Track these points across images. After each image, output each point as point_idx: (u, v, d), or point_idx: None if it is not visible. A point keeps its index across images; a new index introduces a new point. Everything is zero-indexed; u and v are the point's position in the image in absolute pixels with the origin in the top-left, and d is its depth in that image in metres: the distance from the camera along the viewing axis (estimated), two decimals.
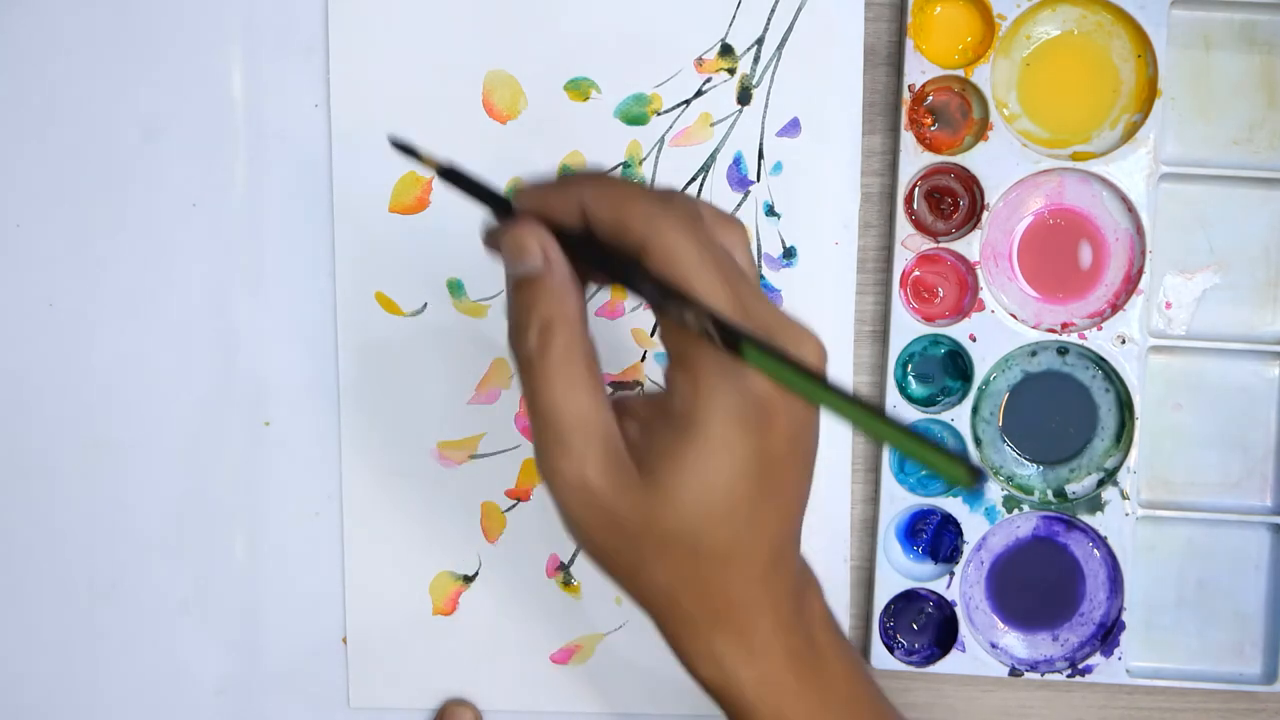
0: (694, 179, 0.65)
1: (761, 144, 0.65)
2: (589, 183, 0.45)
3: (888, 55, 0.66)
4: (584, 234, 0.44)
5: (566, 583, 0.67)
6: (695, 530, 0.44)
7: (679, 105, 0.65)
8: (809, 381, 0.42)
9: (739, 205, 0.65)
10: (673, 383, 0.45)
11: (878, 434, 0.42)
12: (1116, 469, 0.66)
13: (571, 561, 0.67)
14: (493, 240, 0.47)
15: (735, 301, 0.43)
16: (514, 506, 0.67)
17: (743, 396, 0.43)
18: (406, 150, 0.47)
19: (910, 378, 0.66)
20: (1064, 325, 0.66)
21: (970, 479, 0.40)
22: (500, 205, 0.47)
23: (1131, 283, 0.65)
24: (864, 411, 0.42)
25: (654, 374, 0.66)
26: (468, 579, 0.67)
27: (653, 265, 0.43)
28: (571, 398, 0.45)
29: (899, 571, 0.66)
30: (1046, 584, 0.67)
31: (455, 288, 0.66)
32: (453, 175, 0.47)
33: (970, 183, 0.65)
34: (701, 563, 0.45)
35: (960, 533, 0.66)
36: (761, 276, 0.66)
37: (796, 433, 0.45)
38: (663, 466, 0.44)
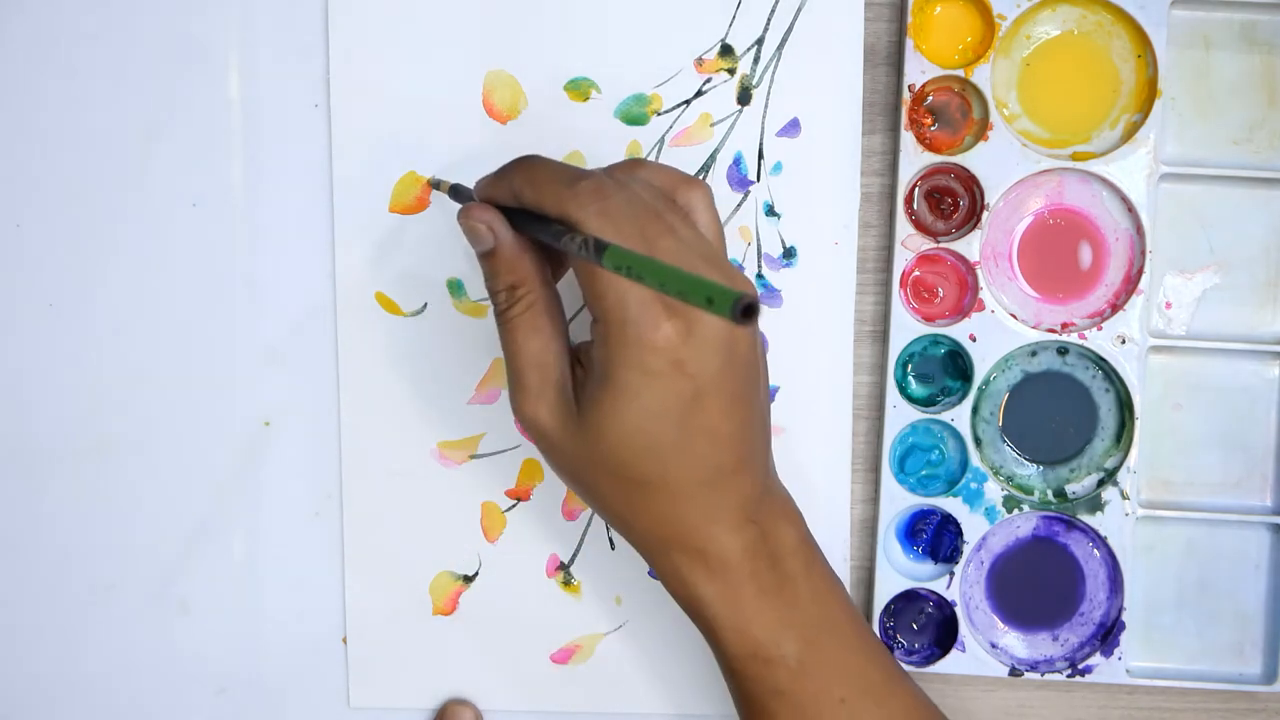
0: None
1: (761, 144, 0.65)
2: (517, 170, 0.53)
3: (888, 55, 0.66)
4: (522, 210, 0.53)
5: (566, 583, 0.67)
6: (622, 462, 0.51)
7: (679, 105, 0.65)
8: (654, 266, 0.42)
9: (739, 205, 0.65)
10: (594, 337, 0.51)
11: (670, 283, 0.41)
12: (1116, 469, 0.66)
13: (571, 561, 0.67)
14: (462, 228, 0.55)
15: (620, 237, 0.49)
16: (514, 506, 0.67)
17: (644, 348, 0.49)
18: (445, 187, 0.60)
19: (910, 378, 0.66)
20: (1064, 325, 0.66)
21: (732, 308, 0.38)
22: (466, 198, 0.57)
23: (1131, 283, 0.65)
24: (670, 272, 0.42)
25: None
26: (468, 579, 0.67)
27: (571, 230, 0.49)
28: (528, 345, 0.53)
29: (899, 571, 0.66)
30: (1046, 584, 0.67)
31: (455, 288, 0.66)
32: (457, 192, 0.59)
33: (970, 183, 0.65)
34: (637, 490, 0.52)
35: (960, 533, 0.66)
36: (761, 276, 0.66)
37: (713, 373, 0.50)
38: (590, 409, 0.51)
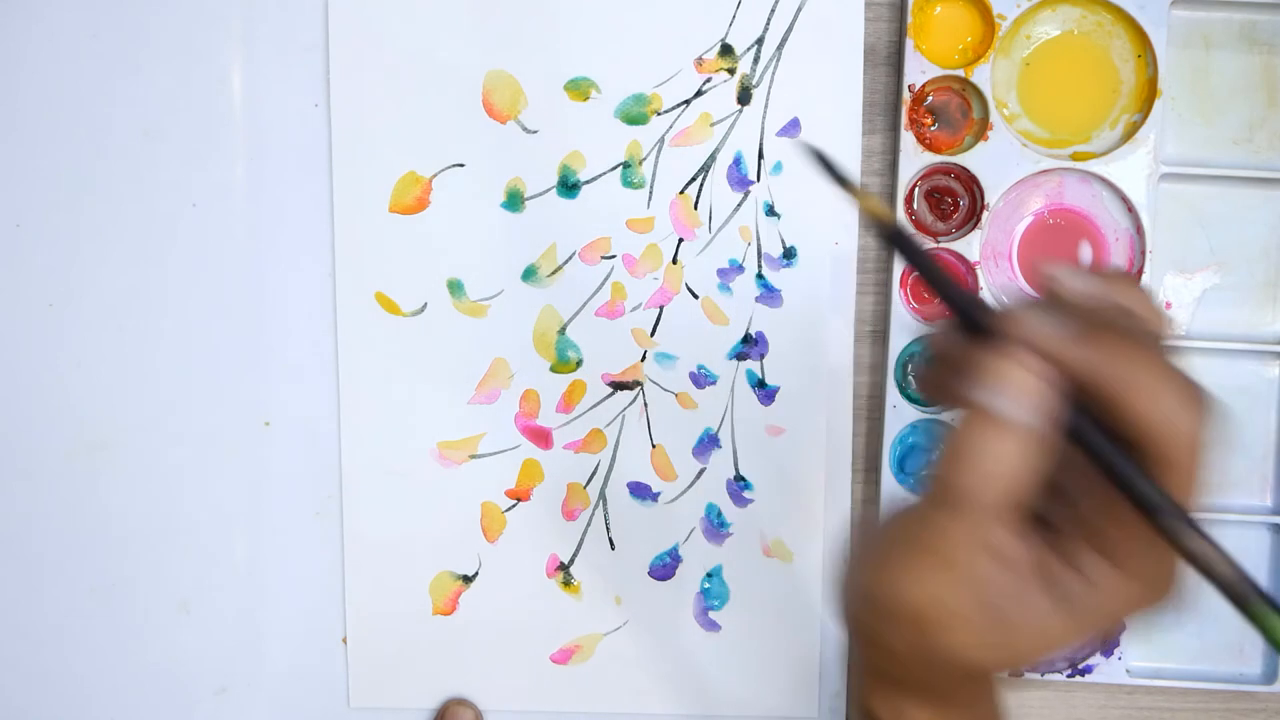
0: (694, 179, 0.65)
1: (761, 144, 0.65)
2: (1113, 356, 0.37)
3: (888, 55, 0.66)
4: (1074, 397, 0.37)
5: (566, 583, 0.67)
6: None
7: (679, 105, 0.65)
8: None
9: (739, 205, 0.65)
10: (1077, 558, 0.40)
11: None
12: None
13: (571, 561, 0.67)
14: (949, 355, 0.40)
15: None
16: (514, 506, 0.67)
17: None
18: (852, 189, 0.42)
19: (910, 378, 0.66)
20: None
21: None
22: (972, 311, 0.39)
23: None
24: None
25: (653, 373, 0.66)
26: (468, 579, 0.67)
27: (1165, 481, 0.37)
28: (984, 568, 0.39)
29: None
30: None
31: (455, 288, 0.66)
32: (901, 242, 0.42)
33: (970, 182, 0.65)
34: (953, 668, 0.42)
35: None
36: (761, 276, 0.66)
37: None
38: (1024, 619, 0.39)
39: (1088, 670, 0.66)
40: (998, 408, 0.37)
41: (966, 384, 0.38)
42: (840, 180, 0.41)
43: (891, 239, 0.42)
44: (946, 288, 0.40)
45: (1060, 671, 0.66)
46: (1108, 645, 0.66)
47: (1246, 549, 0.67)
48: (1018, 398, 0.37)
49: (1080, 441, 0.37)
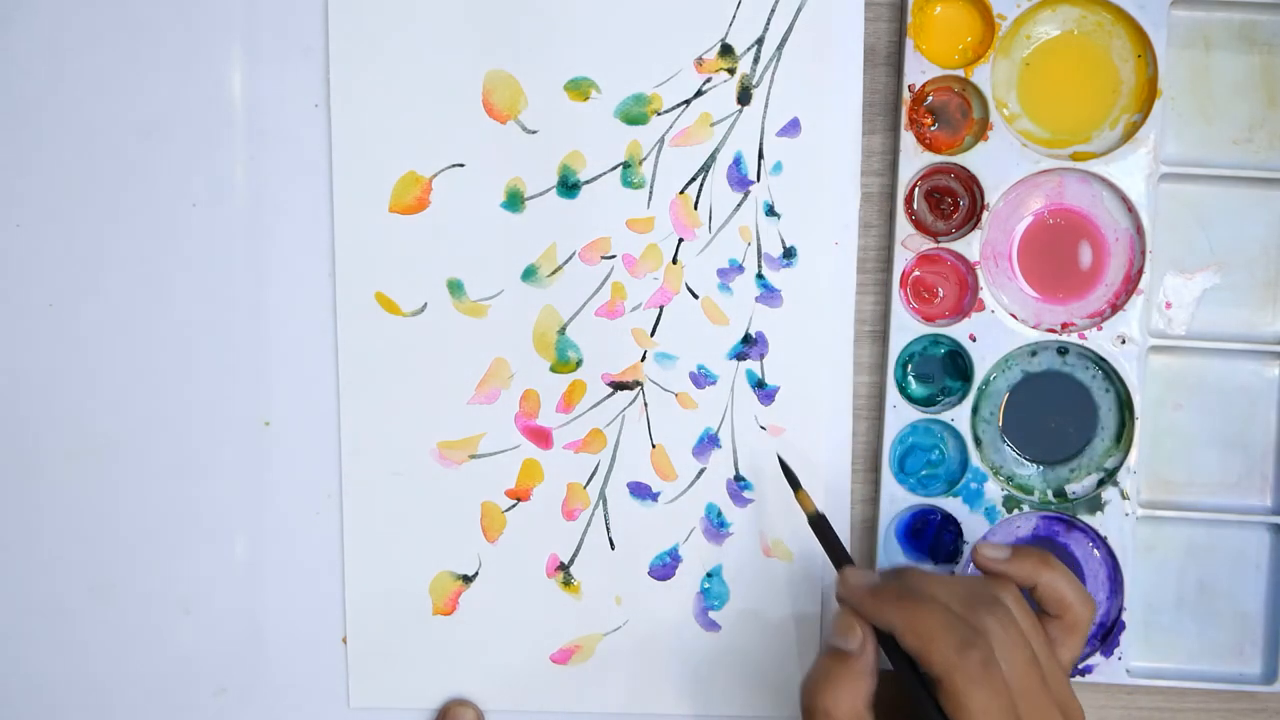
0: (694, 179, 0.65)
1: (761, 144, 0.65)
2: (901, 614, 0.55)
3: (888, 55, 0.66)
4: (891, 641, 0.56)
5: (566, 583, 0.67)
6: None
7: (679, 105, 0.65)
8: None
9: (739, 205, 0.65)
10: None
11: None
12: (1116, 469, 0.66)
13: (571, 561, 0.67)
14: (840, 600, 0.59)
15: None
16: (514, 506, 0.67)
17: None
18: (789, 477, 0.63)
19: (910, 378, 0.66)
20: (1064, 325, 0.66)
21: None
22: (842, 560, 0.61)
23: (1131, 283, 0.65)
24: None
25: (653, 373, 0.66)
26: (468, 579, 0.67)
27: (947, 704, 0.53)
28: None
29: None
30: None
31: (455, 288, 0.66)
32: (821, 525, 0.62)
33: (970, 183, 0.65)
34: None
35: (960, 533, 0.66)
36: (761, 276, 0.66)
37: None
38: None
39: (1088, 671, 0.66)
40: (837, 645, 0.56)
41: (830, 633, 0.57)
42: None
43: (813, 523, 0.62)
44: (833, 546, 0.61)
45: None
46: (1107, 646, 0.66)
47: (1246, 549, 0.67)
48: (848, 635, 0.56)
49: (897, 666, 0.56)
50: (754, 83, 0.65)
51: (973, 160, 0.64)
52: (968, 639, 0.53)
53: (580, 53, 0.65)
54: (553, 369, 0.66)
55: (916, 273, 0.66)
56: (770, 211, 0.66)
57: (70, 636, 0.68)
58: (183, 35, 0.65)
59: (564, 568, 0.67)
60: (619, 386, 0.66)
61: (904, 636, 0.54)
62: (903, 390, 0.66)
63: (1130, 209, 0.65)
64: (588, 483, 0.67)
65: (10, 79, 0.66)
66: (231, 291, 0.66)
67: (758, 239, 0.66)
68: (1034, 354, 0.66)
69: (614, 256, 0.66)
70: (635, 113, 0.65)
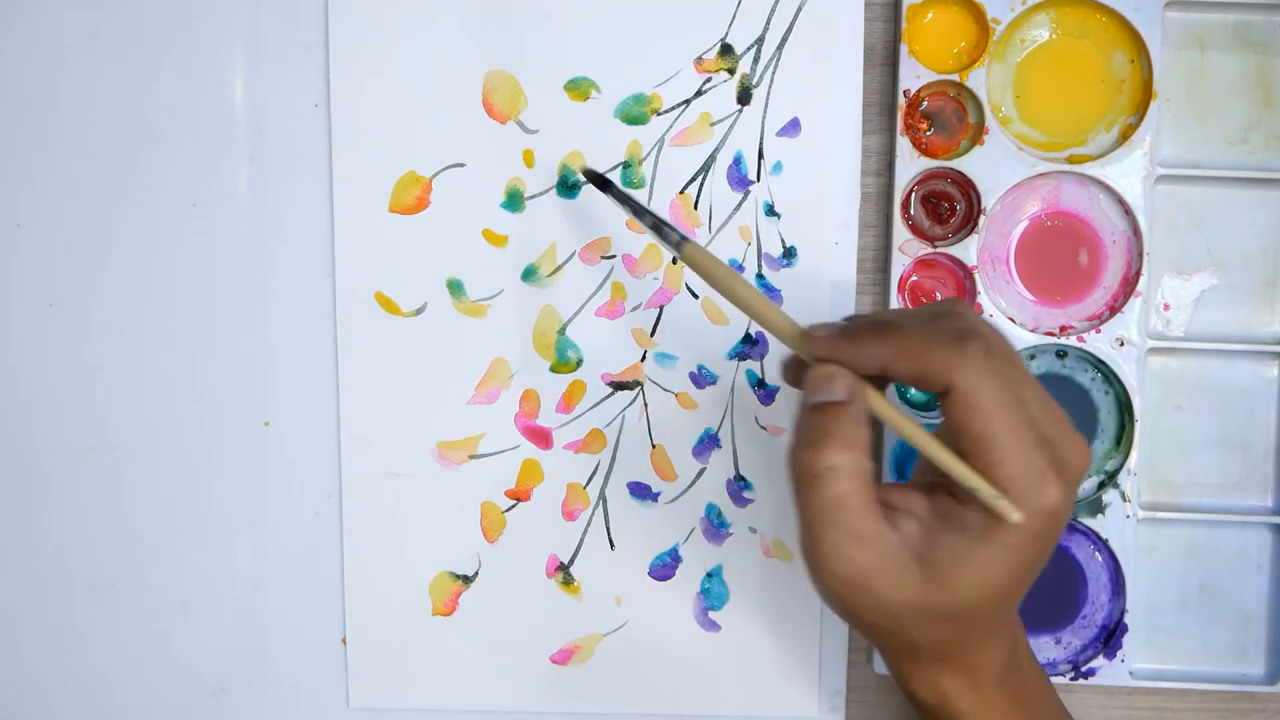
0: (694, 179, 0.66)
1: (761, 144, 0.66)
2: (887, 343, 0.50)
3: (886, 55, 0.66)
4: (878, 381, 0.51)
5: (566, 583, 0.67)
6: (969, 612, 0.50)
7: (679, 105, 0.65)
8: None
9: (739, 205, 0.66)
10: (962, 495, 0.50)
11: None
12: (1117, 471, 0.66)
13: (571, 562, 0.67)
14: (790, 374, 0.54)
15: (1023, 425, 0.49)
16: (514, 506, 0.67)
17: (1038, 514, 0.49)
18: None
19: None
20: (1062, 328, 0.66)
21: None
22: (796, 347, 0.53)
23: (1129, 285, 0.65)
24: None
25: (653, 373, 0.66)
26: (468, 579, 0.67)
27: (955, 407, 0.48)
28: (857, 523, 0.49)
29: None
30: (1048, 587, 0.67)
31: (455, 288, 0.66)
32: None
33: (967, 187, 0.65)
34: (956, 629, 0.51)
35: None
36: (761, 276, 0.66)
37: (1064, 526, 0.51)
38: (950, 565, 0.49)
39: (1091, 673, 0.66)
40: (819, 399, 0.50)
41: (806, 394, 0.51)
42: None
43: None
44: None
45: (1063, 675, 0.66)
46: (1105, 643, 0.66)
47: (1248, 549, 0.67)
48: (831, 384, 0.50)
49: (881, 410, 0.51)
50: (754, 82, 0.65)
51: (969, 165, 0.65)
52: (962, 332, 0.49)
53: (580, 53, 0.65)
54: (553, 369, 0.66)
55: (914, 278, 0.66)
56: (770, 211, 0.66)
57: (70, 636, 0.68)
58: (183, 35, 0.66)
59: (564, 568, 0.67)
60: (619, 386, 0.66)
61: (896, 362, 0.49)
62: (902, 394, 0.66)
63: (1127, 211, 0.65)
64: (588, 483, 0.67)
65: (11, 79, 0.66)
66: (231, 291, 0.66)
67: (758, 239, 0.66)
68: (1032, 357, 0.66)
69: (614, 256, 0.66)
70: (635, 113, 0.65)
